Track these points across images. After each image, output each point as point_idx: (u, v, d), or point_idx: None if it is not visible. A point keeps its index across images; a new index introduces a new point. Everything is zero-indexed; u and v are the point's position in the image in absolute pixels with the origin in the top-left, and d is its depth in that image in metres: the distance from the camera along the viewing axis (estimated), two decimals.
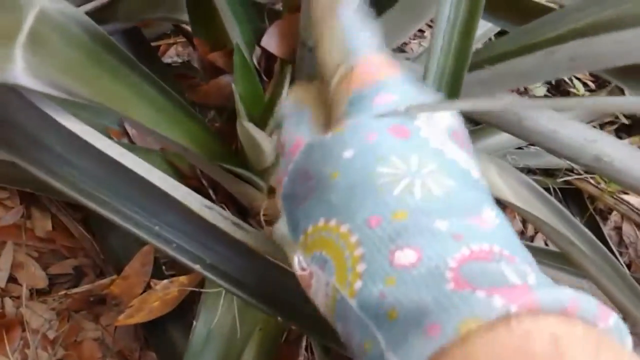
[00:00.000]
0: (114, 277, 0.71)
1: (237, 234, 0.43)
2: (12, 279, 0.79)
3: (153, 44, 1.00)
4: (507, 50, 0.44)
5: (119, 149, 0.45)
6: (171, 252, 0.43)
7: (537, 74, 0.44)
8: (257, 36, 0.61)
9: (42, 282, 0.80)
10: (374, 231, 0.25)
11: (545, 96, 1.06)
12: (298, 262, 0.28)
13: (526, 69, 0.44)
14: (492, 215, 0.26)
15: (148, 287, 0.68)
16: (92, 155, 0.44)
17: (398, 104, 0.29)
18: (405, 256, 0.24)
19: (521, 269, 0.23)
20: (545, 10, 0.58)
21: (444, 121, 0.30)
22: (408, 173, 0.26)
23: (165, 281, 0.67)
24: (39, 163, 0.43)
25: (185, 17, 0.67)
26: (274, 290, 0.44)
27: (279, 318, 0.43)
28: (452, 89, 0.46)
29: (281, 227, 0.31)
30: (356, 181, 0.27)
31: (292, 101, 0.36)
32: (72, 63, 0.45)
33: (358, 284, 0.24)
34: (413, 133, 0.28)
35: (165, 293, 0.66)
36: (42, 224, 0.83)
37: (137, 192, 0.43)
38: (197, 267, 0.43)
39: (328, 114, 0.33)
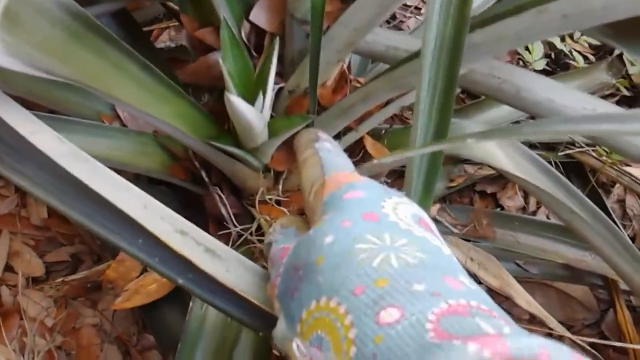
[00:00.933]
0: (110, 262, 0.70)
1: (208, 265, 0.42)
2: (8, 268, 0.79)
3: (145, 28, 0.98)
4: (500, 12, 0.43)
5: (92, 169, 0.43)
6: (154, 265, 0.42)
7: (530, 34, 0.43)
8: (245, 11, 0.60)
9: (39, 270, 0.79)
10: (359, 298, 0.27)
11: (545, 70, 1.05)
12: (297, 348, 0.30)
13: (518, 30, 0.42)
14: (467, 281, 0.28)
15: (144, 270, 0.67)
16: (63, 177, 0.42)
17: (365, 199, 0.34)
18: (389, 314, 0.25)
19: (496, 322, 0.24)
20: None
21: (409, 210, 0.33)
22: (384, 247, 0.29)
23: None
24: (15, 170, 0.42)
25: None
26: (256, 312, 0.42)
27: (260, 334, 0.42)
28: (453, 56, 0.44)
29: (279, 326, 0.33)
30: (339, 260, 0.29)
31: (278, 227, 0.40)
32: (52, 42, 0.44)
33: (353, 350, 0.25)
34: (382, 217, 0.32)
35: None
36: (38, 212, 0.82)
37: (112, 215, 0.42)
38: (179, 281, 0.42)
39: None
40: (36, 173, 0.43)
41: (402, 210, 0.33)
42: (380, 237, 0.30)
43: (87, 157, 0.45)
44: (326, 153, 0.39)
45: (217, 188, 0.68)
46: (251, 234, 0.65)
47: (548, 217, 0.90)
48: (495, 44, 0.45)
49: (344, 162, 0.39)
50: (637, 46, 0.49)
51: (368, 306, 0.26)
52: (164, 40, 1.01)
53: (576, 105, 0.64)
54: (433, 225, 0.34)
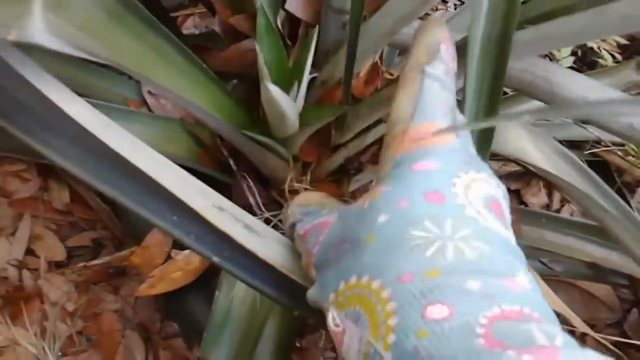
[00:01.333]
0: (133, 248, 0.69)
1: (246, 240, 0.41)
2: (30, 252, 0.79)
3: (170, 14, 0.98)
4: (552, 8, 0.42)
5: (128, 141, 0.43)
6: (189, 242, 0.41)
7: (585, 35, 0.42)
8: None
9: (60, 255, 0.79)
10: (405, 286, 0.26)
11: (572, 67, 1.04)
12: (332, 318, 0.29)
13: (574, 30, 0.41)
14: (525, 280, 0.27)
15: (169, 257, 0.67)
16: (100, 149, 0.42)
17: (435, 173, 0.30)
18: (437, 310, 0.24)
19: (549, 331, 0.23)
20: None
21: (483, 191, 0.30)
22: (441, 236, 0.27)
23: (186, 251, 0.66)
24: (47, 144, 0.41)
25: None
26: (291, 289, 0.42)
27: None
28: (500, 54, 0.44)
29: (311, 291, 0.33)
30: (390, 243, 0.28)
31: (295, 207, 0.39)
32: (93, 22, 0.44)
33: (391, 338, 0.25)
34: (448, 199, 0.29)
35: (187, 263, 0.65)
36: (60, 196, 0.82)
37: (148, 189, 0.41)
38: (215, 259, 0.41)
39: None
40: (68, 146, 0.42)
41: (475, 189, 0.30)
42: (440, 225, 0.28)
43: (122, 130, 0.45)
44: (430, 87, 0.33)
45: (245, 176, 0.67)
46: (280, 220, 0.65)
47: (572, 215, 0.90)
48: (546, 42, 0.45)
49: (443, 106, 0.33)
50: None
51: (415, 297, 0.25)
52: (188, 27, 1.00)
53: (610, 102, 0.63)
54: (506, 208, 0.32)
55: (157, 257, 0.67)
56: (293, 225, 0.39)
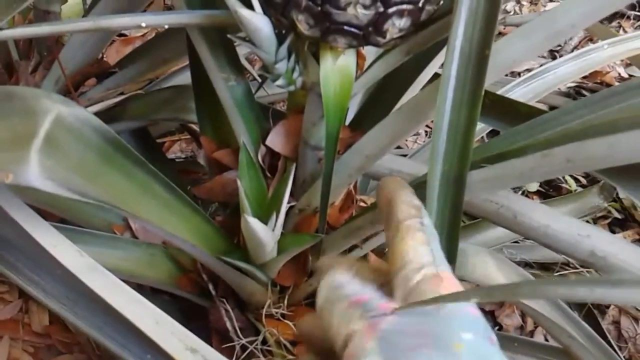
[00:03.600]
0: None
1: None
2: None
3: (158, 140, 1.03)
4: (505, 151, 0.47)
5: (107, 283, 0.45)
6: None
7: (535, 174, 0.46)
8: (261, 135, 0.63)
9: None
10: None
11: (539, 192, 1.09)
12: None
13: (525, 170, 0.46)
14: None
15: None
16: (80, 287, 0.44)
17: (482, 322, 0.34)
18: None
19: None
20: (536, 112, 0.61)
21: None
22: None
23: None
24: (31, 281, 0.44)
25: (193, 117, 0.70)
26: None
27: None
28: (457, 191, 0.48)
29: None
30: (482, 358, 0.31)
31: (346, 271, 0.39)
32: (85, 164, 0.47)
33: None
34: (496, 343, 0.33)
35: None
36: (39, 319, 0.82)
37: (124, 329, 0.43)
38: None
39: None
40: (52, 285, 0.45)
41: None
42: None
43: (102, 270, 0.47)
44: (433, 238, 0.38)
45: (224, 301, 0.69)
46: (256, 347, 0.66)
47: (546, 339, 0.91)
48: (501, 181, 0.49)
49: (444, 258, 0.38)
50: (627, 183, 0.53)
51: None
52: (175, 152, 1.05)
53: (570, 230, 0.66)
54: None
55: None
56: (340, 286, 0.38)
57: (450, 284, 0.35)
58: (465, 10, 0.44)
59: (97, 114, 0.49)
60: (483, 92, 0.44)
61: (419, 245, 0.37)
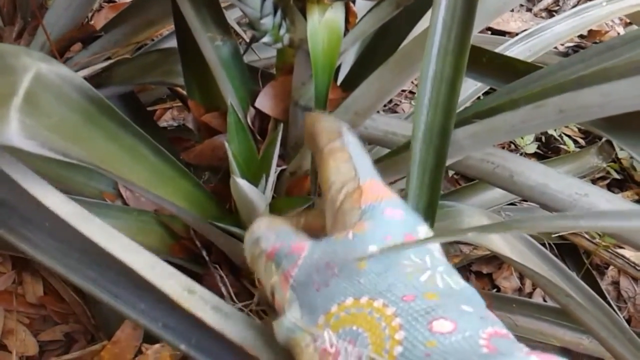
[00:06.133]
0: (105, 342, 0.69)
1: (216, 322, 0.42)
2: (2, 346, 0.77)
3: (149, 108, 1.01)
4: (496, 104, 0.45)
5: (101, 229, 0.44)
6: (157, 331, 0.42)
7: (526, 127, 0.45)
8: (251, 97, 0.62)
9: (32, 349, 0.78)
10: (409, 304, 0.28)
11: (536, 153, 1.08)
12: (328, 339, 0.29)
13: (516, 122, 0.45)
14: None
15: (139, 352, 0.67)
16: (74, 236, 0.43)
17: (405, 221, 0.34)
18: (442, 325, 0.26)
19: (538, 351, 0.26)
20: (533, 69, 0.59)
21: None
22: (427, 268, 0.30)
23: (156, 345, 0.65)
24: (24, 237, 0.42)
25: (180, 81, 0.68)
26: None
27: None
28: (441, 142, 0.46)
29: (290, 315, 0.32)
30: (384, 268, 0.30)
31: (263, 226, 0.39)
32: (67, 124, 0.46)
33: (398, 349, 0.26)
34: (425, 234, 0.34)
35: (157, 358, 0.65)
36: (34, 290, 0.82)
37: (119, 274, 0.42)
38: (182, 346, 0.42)
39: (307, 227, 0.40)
40: (42, 238, 0.44)
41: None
42: (422, 259, 0.31)
43: (94, 218, 0.46)
44: (356, 152, 0.38)
45: (217, 267, 0.68)
46: (251, 310, 0.65)
47: (544, 300, 0.91)
48: (492, 135, 0.48)
49: (372, 168, 0.38)
50: (625, 136, 0.52)
51: (419, 313, 0.27)
52: (167, 120, 1.04)
53: (568, 190, 0.65)
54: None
55: (127, 352, 0.66)
56: (257, 240, 0.38)
57: (372, 194, 0.35)
58: None
59: (84, 79, 0.48)
60: (470, 40, 0.43)
61: (340, 164, 0.37)
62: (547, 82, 0.56)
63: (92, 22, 0.90)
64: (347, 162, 0.37)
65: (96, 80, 0.74)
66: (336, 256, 0.33)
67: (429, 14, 0.68)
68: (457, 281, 0.31)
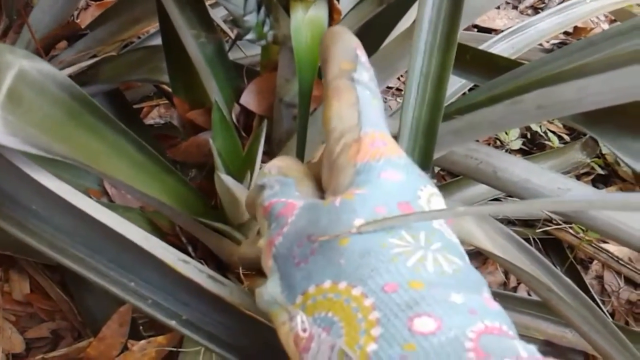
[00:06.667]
0: (91, 339, 0.69)
1: (213, 287, 0.42)
2: None
3: (136, 106, 1.01)
4: (476, 100, 0.46)
5: (95, 205, 0.45)
6: (147, 309, 0.42)
7: (506, 122, 0.46)
8: (235, 94, 0.62)
9: (19, 347, 0.78)
10: (390, 296, 0.25)
11: (521, 149, 1.09)
12: (300, 322, 0.27)
13: (495, 118, 0.45)
14: (491, 298, 0.27)
15: (125, 348, 0.67)
16: (67, 211, 0.43)
17: (403, 184, 0.30)
18: (424, 324, 0.23)
19: (530, 349, 0.23)
20: (515, 66, 0.60)
21: (440, 205, 0.30)
22: (419, 247, 0.27)
23: (142, 342, 0.65)
24: (13, 220, 0.43)
25: (165, 78, 0.68)
26: (252, 344, 0.43)
27: None
28: (427, 139, 0.47)
29: (270, 288, 0.30)
30: (368, 248, 0.27)
31: (275, 170, 0.35)
32: (50, 121, 0.46)
33: (372, 347, 0.24)
34: (417, 211, 0.29)
35: (143, 354, 0.65)
36: (20, 287, 0.81)
37: (112, 247, 0.43)
38: (172, 323, 0.42)
39: (316, 182, 0.35)
40: (33, 219, 0.44)
41: (435, 203, 0.30)
42: (415, 236, 0.27)
43: (83, 196, 0.46)
44: (365, 94, 0.33)
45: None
46: None
47: (529, 293, 0.91)
48: (473, 130, 0.48)
49: (380, 114, 0.33)
50: (605, 131, 0.53)
51: (400, 308, 0.24)
52: (153, 117, 1.03)
53: (551, 185, 0.66)
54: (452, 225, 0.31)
55: (114, 348, 0.66)
56: (262, 188, 0.35)
57: (372, 149, 0.31)
58: None
59: (70, 77, 0.48)
60: (457, 37, 0.43)
61: (344, 107, 0.33)
62: (529, 78, 0.56)
63: (78, 20, 0.90)
64: (351, 106, 0.33)
65: (82, 78, 0.74)
66: (318, 228, 0.29)
67: (412, 10, 0.69)
68: (452, 261, 0.27)
